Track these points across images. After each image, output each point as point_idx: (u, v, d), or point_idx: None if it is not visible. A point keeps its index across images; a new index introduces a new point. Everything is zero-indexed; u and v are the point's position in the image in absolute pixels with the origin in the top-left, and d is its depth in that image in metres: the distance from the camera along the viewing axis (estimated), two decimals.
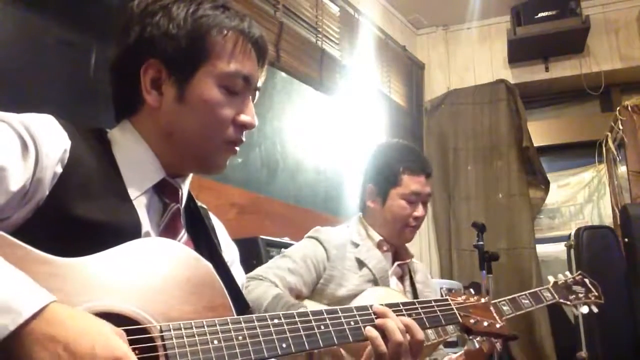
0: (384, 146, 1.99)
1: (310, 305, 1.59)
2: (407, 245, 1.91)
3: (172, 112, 0.93)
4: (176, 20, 0.92)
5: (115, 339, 0.66)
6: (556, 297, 1.69)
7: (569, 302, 1.71)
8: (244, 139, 0.99)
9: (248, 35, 0.96)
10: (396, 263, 1.85)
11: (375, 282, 1.72)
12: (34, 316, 0.62)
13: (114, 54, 0.96)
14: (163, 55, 0.92)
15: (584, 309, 1.71)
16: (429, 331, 1.58)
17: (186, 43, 0.92)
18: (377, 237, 1.82)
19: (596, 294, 1.75)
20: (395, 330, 0.95)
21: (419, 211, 1.82)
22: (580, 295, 1.74)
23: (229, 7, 0.97)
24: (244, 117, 0.96)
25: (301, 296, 1.65)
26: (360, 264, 1.74)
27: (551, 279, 1.77)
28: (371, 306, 0.98)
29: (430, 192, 1.88)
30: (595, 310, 1.73)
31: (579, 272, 1.81)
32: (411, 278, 1.88)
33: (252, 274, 1.60)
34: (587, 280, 1.77)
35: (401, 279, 1.87)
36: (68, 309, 0.66)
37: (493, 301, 1.39)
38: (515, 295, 1.65)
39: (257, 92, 1.02)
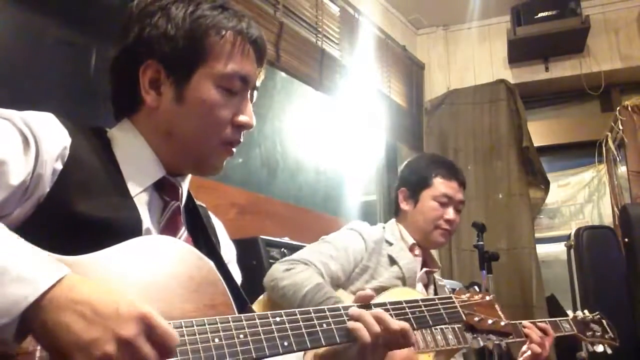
0: (419, 156, 2.14)
1: (342, 296, 1.65)
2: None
3: (170, 112, 0.93)
4: (174, 20, 0.92)
5: (138, 300, 0.66)
6: (575, 330, 1.80)
7: (585, 338, 1.80)
8: (241, 139, 0.99)
9: (246, 36, 0.96)
10: (424, 269, 1.89)
11: (403, 280, 1.78)
12: (54, 285, 0.63)
13: (113, 54, 0.96)
14: (161, 55, 0.92)
15: (599, 348, 1.81)
16: (450, 335, 1.61)
17: (184, 44, 0.92)
18: (410, 241, 1.89)
19: (612, 335, 1.85)
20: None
21: (450, 214, 1.88)
22: (597, 334, 1.83)
23: (228, 8, 0.97)
24: (242, 118, 0.96)
25: (339, 283, 1.72)
26: (392, 261, 1.80)
27: (570, 313, 1.87)
28: (369, 305, 0.98)
29: (462, 200, 1.95)
30: (609, 351, 1.82)
31: (598, 312, 1.91)
32: (435, 289, 1.92)
33: (297, 256, 1.67)
34: (604, 322, 1.87)
35: (426, 286, 1.92)
36: (85, 279, 0.67)
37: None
38: (536, 320, 1.72)
39: (256, 92, 1.02)
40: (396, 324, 0.94)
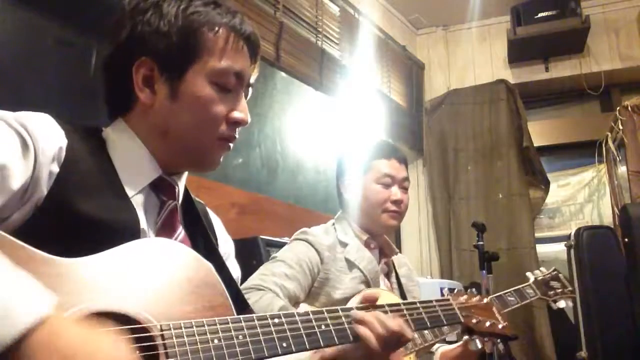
0: (352, 145, 2.02)
1: (308, 309, 1.57)
2: (407, 244, 1.91)
3: (165, 109, 0.93)
4: (167, 17, 0.92)
5: (121, 346, 0.64)
6: (538, 293, 1.77)
7: (548, 298, 1.79)
8: (237, 135, 0.98)
9: (239, 32, 0.96)
10: (382, 261, 1.83)
11: (367, 283, 1.68)
12: (36, 327, 0.58)
13: (106, 52, 0.96)
14: (154, 52, 0.92)
15: (562, 304, 1.80)
16: (426, 332, 1.58)
17: (177, 40, 0.91)
18: (364, 236, 1.79)
19: (570, 288, 1.84)
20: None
21: (396, 194, 1.77)
22: (558, 290, 1.82)
23: (221, 4, 0.97)
24: (236, 114, 0.96)
25: (298, 302, 1.61)
26: (351, 265, 1.69)
27: (530, 275, 1.84)
28: (369, 307, 0.98)
29: (406, 177, 1.83)
30: (570, 304, 1.81)
31: (554, 268, 1.89)
32: (396, 274, 1.87)
33: (250, 284, 1.54)
34: (561, 276, 1.86)
35: (387, 275, 1.84)
36: (67, 320, 0.63)
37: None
38: (501, 292, 1.68)
39: (251, 89, 1.02)
40: (395, 323, 0.95)
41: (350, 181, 1.85)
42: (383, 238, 1.85)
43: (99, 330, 0.64)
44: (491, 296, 1.60)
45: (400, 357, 1.44)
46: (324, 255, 1.68)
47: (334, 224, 1.84)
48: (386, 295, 1.68)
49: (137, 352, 0.70)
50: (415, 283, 1.93)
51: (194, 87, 0.92)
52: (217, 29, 0.94)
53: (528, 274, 1.87)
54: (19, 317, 0.56)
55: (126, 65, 0.92)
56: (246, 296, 1.49)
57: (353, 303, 1.58)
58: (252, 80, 1.01)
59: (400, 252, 1.98)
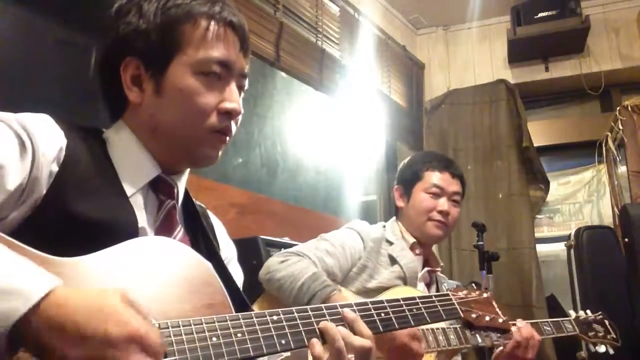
0: (415, 154, 2.13)
1: (343, 290, 1.63)
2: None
3: (152, 106, 0.93)
4: (146, 15, 0.93)
5: (126, 312, 0.64)
6: (577, 330, 1.79)
7: (588, 338, 1.79)
8: (234, 128, 0.98)
9: (220, 19, 0.95)
10: (426, 269, 1.88)
11: (404, 280, 1.76)
12: (44, 298, 0.61)
13: (97, 56, 0.97)
14: (137, 51, 0.93)
15: (601, 348, 1.81)
16: (452, 336, 1.62)
17: (156, 36, 0.92)
18: (411, 240, 1.87)
19: (614, 336, 1.85)
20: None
21: (443, 205, 1.84)
22: (600, 334, 1.83)
23: None
24: (227, 104, 0.94)
25: (335, 280, 1.69)
26: (393, 260, 1.78)
27: (572, 313, 1.86)
28: (362, 303, 0.97)
29: (457, 191, 1.91)
30: (611, 351, 1.82)
31: (600, 313, 1.89)
32: (437, 289, 1.91)
33: (292, 249, 1.66)
34: (607, 322, 1.87)
35: (428, 286, 1.90)
36: (75, 289, 0.66)
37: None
38: (538, 320, 1.70)
39: (246, 80, 1.00)
40: (358, 341, 0.88)
41: (402, 189, 1.95)
42: (429, 249, 1.94)
43: (106, 296, 0.66)
44: (527, 321, 1.64)
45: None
46: (368, 245, 1.78)
47: (384, 225, 1.94)
48: (416, 293, 1.70)
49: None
50: None
51: (176, 80, 0.92)
52: (196, 19, 0.93)
53: (571, 311, 1.92)
54: (28, 293, 0.60)
55: (115, 67, 0.94)
56: (285, 258, 1.60)
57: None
58: (245, 70, 0.99)
59: None
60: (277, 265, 1.58)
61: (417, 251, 1.88)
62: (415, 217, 1.87)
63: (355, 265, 1.74)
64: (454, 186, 1.89)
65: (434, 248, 2.04)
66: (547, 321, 1.77)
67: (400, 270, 1.76)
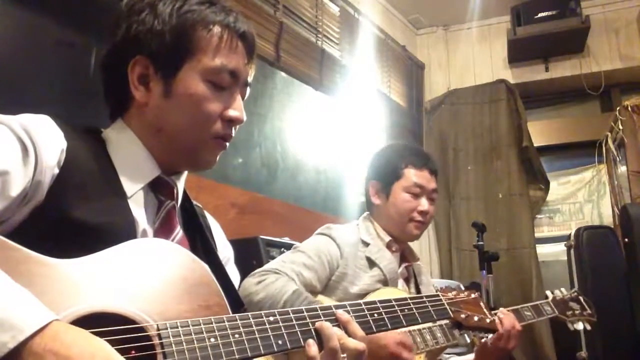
0: (388, 146, 2.02)
1: (324, 302, 1.59)
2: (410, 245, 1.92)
3: (159, 107, 0.93)
4: (161, 16, 0.93)
5: (117, 357, 0.65)
6: (556, 311, 1.79)
7: (566, 318, 1.79)
8: (233, 134, 0.98)
9: (234, 29, 0.96)
10: (403, 265, 1.85)
11: (385, 282, 1.72)
12: (36, 333, 0.61)
13: (104, 52, 0.97)
14: (149, 51, 0.92)
15: (579, 325, 1.80)
16: (439, 334, 1.61)
17: (171, 39, 0.92)
18: (387, 238, 1.82)
19: (590, 312, 1.84)
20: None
21: (423, 205, 1.80)
22: (577, 312, 1.83)
23: (215, 2, 0.97)
24: (231, 112, 0.96)
25: (315, 292, 1.65)
26: (371, 263, 1.73)
27: (549, 293, 1.86)
28: (353, 303, 0.97)
29: (435, 188, 1.86)
30: (588, 327, 1.81)
31: (574, 289, 1.90)
32: (416, 280, 1.89)
33: (268, 267, 1.59)
34: (581, 298, 1.87)
35: (407, 280, 1.87)
36: (70, 327, 0.65)
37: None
38: (518, 307, 1.70)
39: (248, 88, 1.02)
40: (352, 343, 0.89)
41: (379, 185, 1.87)
42: (405, 244, 1.89)
43: (98, 341, 0.66)
44: (508, 309, 1.62)
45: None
46: (345, 251, 1.71)
47: (358, 224, 1.87)
48: (400, 294, 1.69)
49: (134, 352, 0.71)
50: (432, 291, 1.94)
51: (187, 84, 0.93)
52: (211, 27, 0.94)
53: (547, 292, 1.89)
54: (22, 326, 0.60)
55: (122, 65, 0.93)
56: (261, 278, 1.53)
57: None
58: (249, 79, 1.01)
59: None
60: (254, 287, 1.51)
61: (394, 248, 1.83)
62: (396, 217, 1.81)
63: (334, 274, 1.68)
64: (432, 183, 1.84)
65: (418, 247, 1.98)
66: (527, 306, 1.75)
67: (380, 273, 1.71)
